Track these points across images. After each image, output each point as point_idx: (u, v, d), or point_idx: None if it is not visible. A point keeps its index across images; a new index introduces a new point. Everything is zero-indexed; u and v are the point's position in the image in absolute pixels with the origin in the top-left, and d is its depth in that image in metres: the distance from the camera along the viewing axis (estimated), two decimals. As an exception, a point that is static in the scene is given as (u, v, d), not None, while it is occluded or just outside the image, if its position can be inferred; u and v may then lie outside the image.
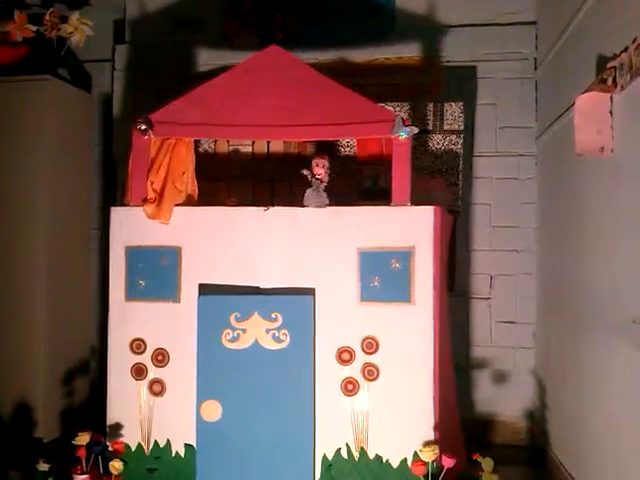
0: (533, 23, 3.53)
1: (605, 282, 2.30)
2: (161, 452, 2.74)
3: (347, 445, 2.64)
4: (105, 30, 3.92)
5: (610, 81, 2.12)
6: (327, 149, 3.24)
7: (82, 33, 3.47)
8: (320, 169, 2.74)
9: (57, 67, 3.58)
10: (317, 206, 2.70)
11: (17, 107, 3.44)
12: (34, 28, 3.47)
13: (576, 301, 2.66)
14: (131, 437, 2.75)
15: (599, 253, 2.37)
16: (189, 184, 2.92)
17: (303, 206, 2.72)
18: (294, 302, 2.68)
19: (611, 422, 2.22)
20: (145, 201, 2.79)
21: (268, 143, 3.46)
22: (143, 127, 2.80)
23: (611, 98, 2.16)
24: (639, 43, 1.91)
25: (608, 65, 2.13)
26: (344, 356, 2.65)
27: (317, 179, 2.73)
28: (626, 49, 2.01)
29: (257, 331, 2.67)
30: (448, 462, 2.41)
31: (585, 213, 2.55)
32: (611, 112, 2.17)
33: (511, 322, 3.51)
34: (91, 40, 3.54)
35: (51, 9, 3.50)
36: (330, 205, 2.72)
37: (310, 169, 2.76)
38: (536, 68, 3.51)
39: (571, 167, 2.74)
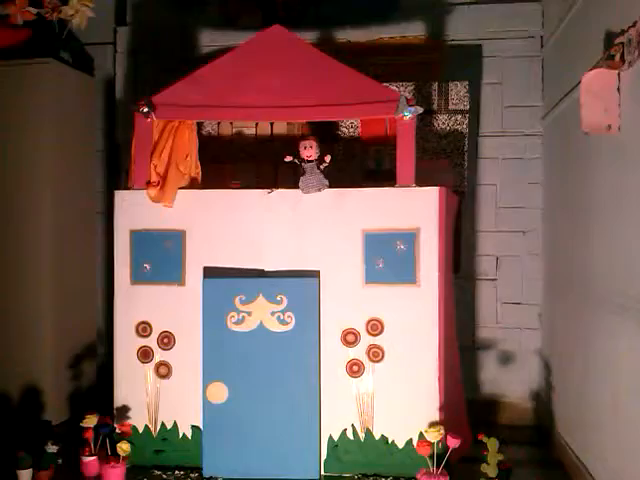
0: (539, 0, 3.47)
1: (611, 262, 2.28)
2: (168, 434, 2.76)
3: (353, 426, 2.65)
4: (106, 12, 3.87)
5: (618, 57, 2.08)
6: (327, 131, 3.20)
7: (83, 15, 3.43)
8: (309, 150, 2.69)
9: (58, 50, 3.54)
10: (318, 190, 2.67)
11: (19, 91, 3.41)
12: (35, 11, 3.42)
13: (582, 282, 2.64)
14: (138, 419, 2.77)
15: (606, 233, 2.35)
16: (192, 167, 2.90)
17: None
18: (299, 284, 2.67)
19: (617, 402, 2.21)
20: (148, 184, 2.79)
21: (272, 125, 3.44)
22: (145, 110, 2.78)
23: (619, 75, 2.13)
24: (647, 18, 1.88)
25: (615, 41, 2.09)
26: (349, 338, 2.65)
27: (309, 161, 2.69)
28: (634, 24, 1.97)
29: (262, 314, 2.67)
30: (453, 442, 2.42)
31: (592, 192, 2.52)
32: (619, 89, 2.13)
33: (517, 303, 3.49)
34: (92, 22, 3.50)
35: (52, -9, 3.46)
36: (334, 187, 2.69)
37: (297, 154, 2.69)
38: (542, 46, 3.46)
39: (578, 146, 2.70)
